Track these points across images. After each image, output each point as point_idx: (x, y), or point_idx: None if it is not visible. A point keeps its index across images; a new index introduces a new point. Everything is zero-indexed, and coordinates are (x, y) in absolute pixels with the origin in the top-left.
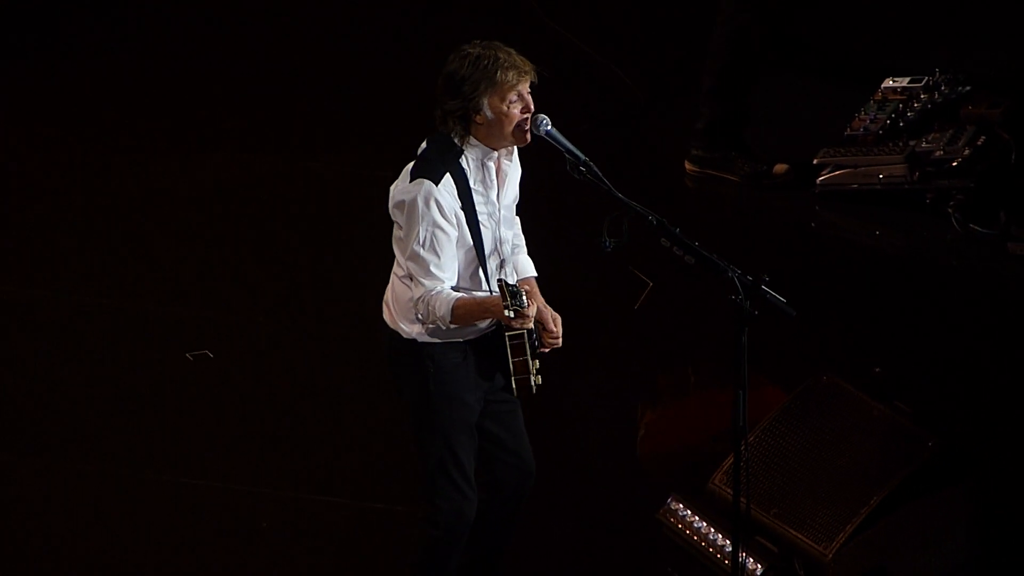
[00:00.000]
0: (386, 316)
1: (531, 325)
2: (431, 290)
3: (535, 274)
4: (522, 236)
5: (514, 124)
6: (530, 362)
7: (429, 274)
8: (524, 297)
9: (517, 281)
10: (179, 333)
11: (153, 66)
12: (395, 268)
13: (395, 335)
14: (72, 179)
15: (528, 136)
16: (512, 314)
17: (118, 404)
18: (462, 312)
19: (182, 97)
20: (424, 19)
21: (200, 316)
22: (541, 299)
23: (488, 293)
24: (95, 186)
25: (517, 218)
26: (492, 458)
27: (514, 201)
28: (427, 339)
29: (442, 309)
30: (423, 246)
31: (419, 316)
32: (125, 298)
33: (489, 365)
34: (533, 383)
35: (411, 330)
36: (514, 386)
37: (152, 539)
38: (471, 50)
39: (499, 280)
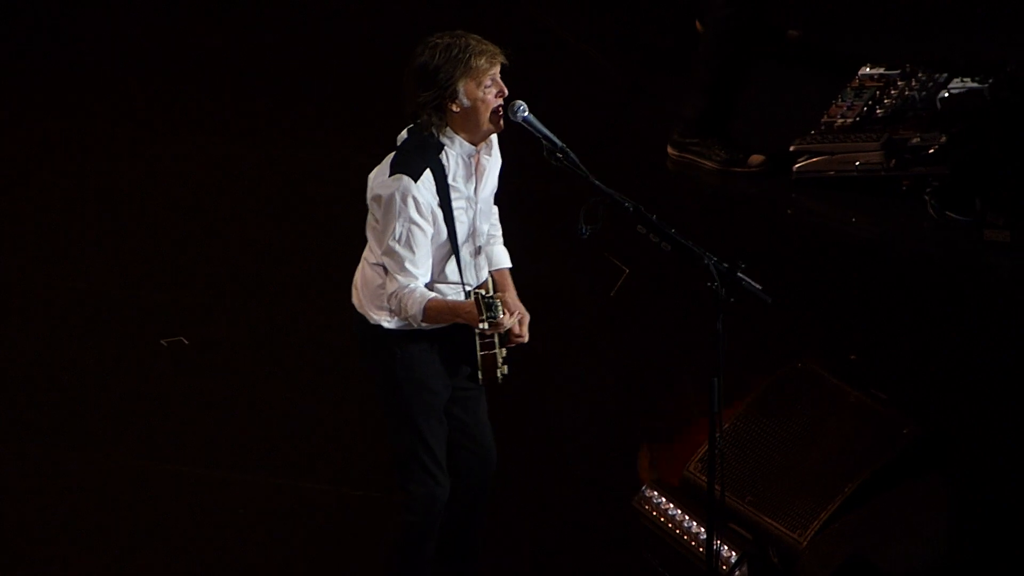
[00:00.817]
0: (355, 301)
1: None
2: (404, 287)
3: (509, 265)
4: (499, 226)
5: (490, 109)
6: (499, 355)
7: (403, 270)
8: (499, 308)
9: (490, 272)
10: (162, 320)
11: (137, 55)
12: (366, 253)
13: (363, 319)
14: (61, 167)
15: (502, 122)
16: (487, 326)
17: (96, 391)
18: (433, 314)
19: (165, 85)
20: (406, 7)
21: (185, 303)
22: (514, 294)
23: (460, 285)
24: (83, 173)
25: (495, 208)
26: (455, 445)
27: (492, 193)
28: (393, 326)
29: (414, 308)
30: (399, 242)
31: (391, 309)
32: (109, 284)
33: (456, 353)
34: (499, 374)
35: (378, 316)
36: (480, 375)
37: (130, 524)
38: (439, 40)
39: (475, 293)
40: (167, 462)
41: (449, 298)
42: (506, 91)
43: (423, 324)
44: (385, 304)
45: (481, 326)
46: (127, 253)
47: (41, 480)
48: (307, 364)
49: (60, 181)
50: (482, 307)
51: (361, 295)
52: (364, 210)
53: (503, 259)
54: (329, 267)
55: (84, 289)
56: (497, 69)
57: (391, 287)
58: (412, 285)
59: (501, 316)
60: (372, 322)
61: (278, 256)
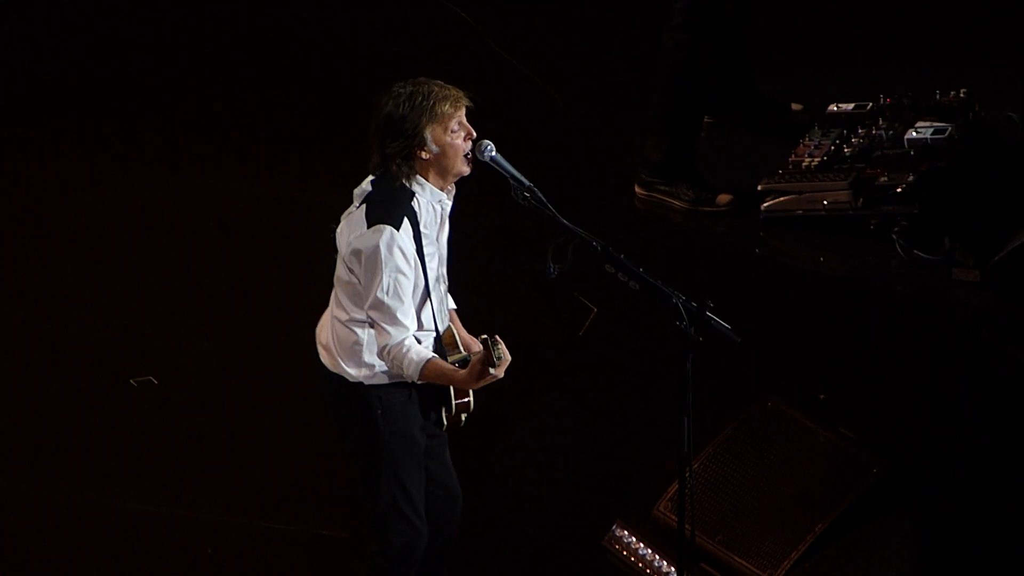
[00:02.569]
0: (327, 361)
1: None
2: (399, 342)
3: (455, 307)
4: None
5: (460, 153)
6: (472, 402)
7: (395, 321)
8: (501, 348)
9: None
10: (126, 357)
11: (106, 88)
12: (336, 312)
13: (339, 380)
14: (27, 202)
15: (470, 166)
16: (497, 371)
17: (61, 428)
18: (431, 376)
19: (133, 117)
20: (375, 46)
21: (149, 340)
22: (464, 332)
23: (433, 331)
24: (47, 208)
25: None
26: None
27: (447, 236)
28: (374, 381)
29: (410, 368)
30: (387, 293)
31: (387, 364)
32: (73, 320)
33: (430, 400)
34: (464, 419)
35: (358, 373)
36: (444, 421)
37: (98, 564)
38: (402, 89)
39: (484, 338)
40: (135, 502)
41: (431, 351)
42: (474, 133)
43: (418, 381)
44: (364, 360)
45: (492, 372)
46: (95, 290)
47: (9, 519)
48: (276, 403)
49: (26, 216)
50: (491, 351)
51: (336, 355)
52: (331, 246)
53: (450, 301)
54: (300, 305)
55: (52, 329)
56: (463, 112)
57: (383, 341)
58: (407, 341)
59: (503, 358)
60: (352, 380)
61: (248, 293)
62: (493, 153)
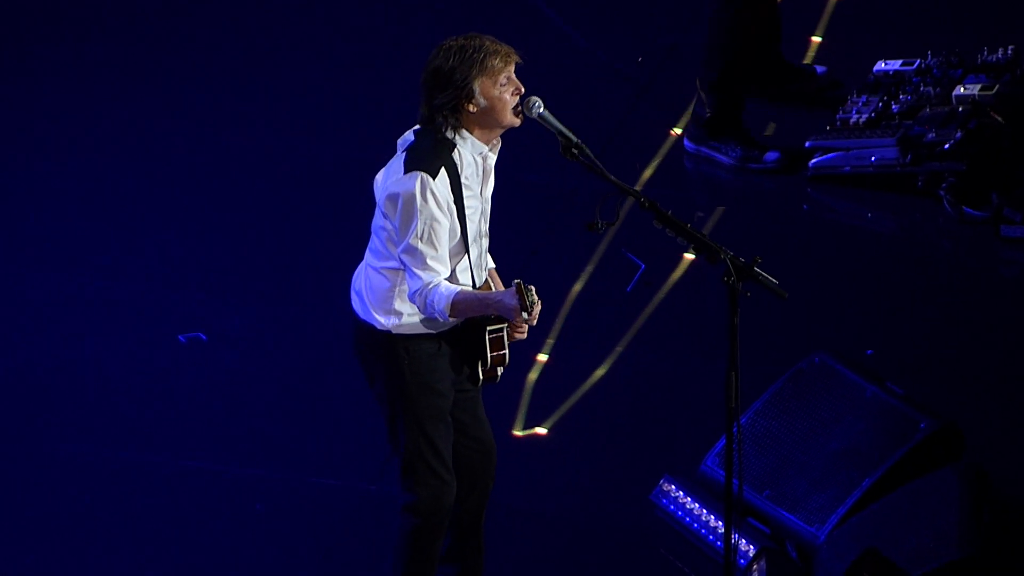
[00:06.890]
0: (357, 307)
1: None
2: (428, 283)
3: (494, 265)
4: None
5: (508, 107)
6: (508, 355)
7: (426, 267)
8: (534, 295)
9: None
10: (174, 316)
11: (137, 49)
12: (369, 258)
13: (368, 326)
14: (73, 163)
15: (520, 117)
16: (531, 316)
17: (110, 387)
18: (462, 307)
19: (170, 73)
20: (417, 5)
21: (195, 298)
22: (502, 287)
23: (470, 285)
24: (94, 169)
25: None
26: (457, 445)
27: (490, 192)
28: (402, 330)
29: (441, 304)
30: (421, 239)
31: (418, 307)
32: (118, 280)
33: (461, 355)
34: (500, 373)
35: (387, 321)
36: (480, 375)
37: (146, 521)
38: (453, 43)
39: (517, 282)
40: (184, 458)
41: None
42: (522, 88)
43: (449, 319)
44: (395, 307)
45: (525, 316)
46: (142, 249)
47: (57, 475)
48: (325, 358)
49: (72, 176)
50: (524, 295)
51: (368, 301)
52: (364, 205)
53: (489, 259)
54: (337, 261)
55: (100, 284)
56: (512, 68)
57: (415, 285)
58: (436, 280)
59: (536, 302)
60: (380, 328)
61: (289, 251)
62: (541, 110)
